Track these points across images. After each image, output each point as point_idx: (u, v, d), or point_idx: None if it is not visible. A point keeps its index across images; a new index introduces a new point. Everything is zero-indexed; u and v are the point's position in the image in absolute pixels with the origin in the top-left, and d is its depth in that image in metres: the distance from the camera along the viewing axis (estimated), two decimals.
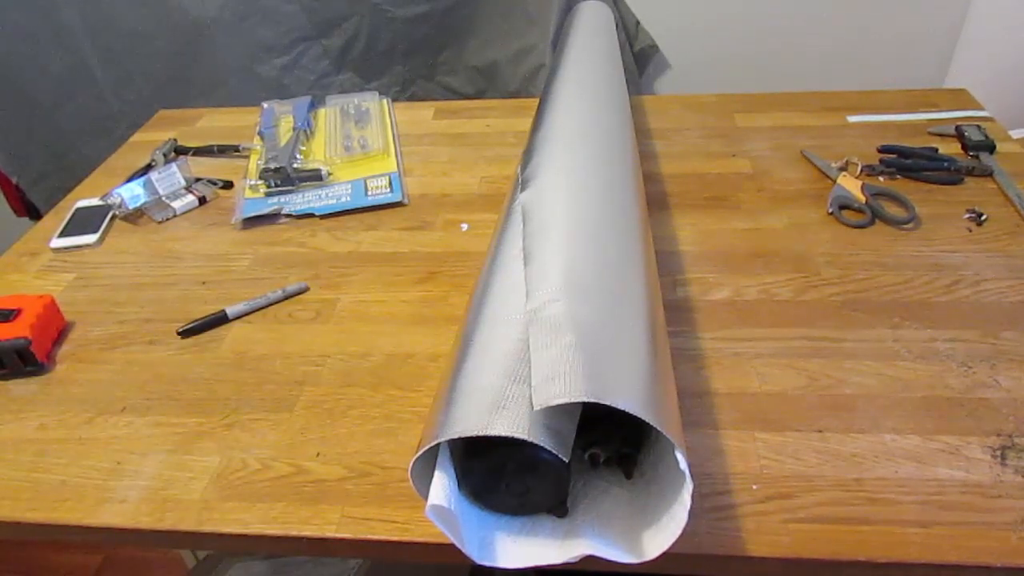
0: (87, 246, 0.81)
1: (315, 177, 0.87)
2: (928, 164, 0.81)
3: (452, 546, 0.41)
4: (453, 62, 1.42)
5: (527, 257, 0.49)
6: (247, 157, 0.96)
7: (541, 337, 0.41)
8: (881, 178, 0.81)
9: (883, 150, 0.85)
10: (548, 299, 0.44)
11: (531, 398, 0.39)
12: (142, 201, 0.86)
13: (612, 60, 0.89)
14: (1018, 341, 0.59)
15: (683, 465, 0.38)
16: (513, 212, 0.56)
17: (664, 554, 0.39)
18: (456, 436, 0.39)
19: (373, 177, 0.88)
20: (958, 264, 0.67)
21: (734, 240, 0.73)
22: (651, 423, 0.37)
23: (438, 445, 0.41)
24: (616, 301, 0.46)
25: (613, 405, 0.37)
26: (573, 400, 0.37)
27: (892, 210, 0.75)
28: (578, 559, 0.42)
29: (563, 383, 0.38)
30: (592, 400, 0.37)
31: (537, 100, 0.80)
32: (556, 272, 0.46)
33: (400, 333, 0.65)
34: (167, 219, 0.85)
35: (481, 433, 0.38)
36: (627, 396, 0.38)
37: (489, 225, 0.66)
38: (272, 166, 0.87)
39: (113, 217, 0.85)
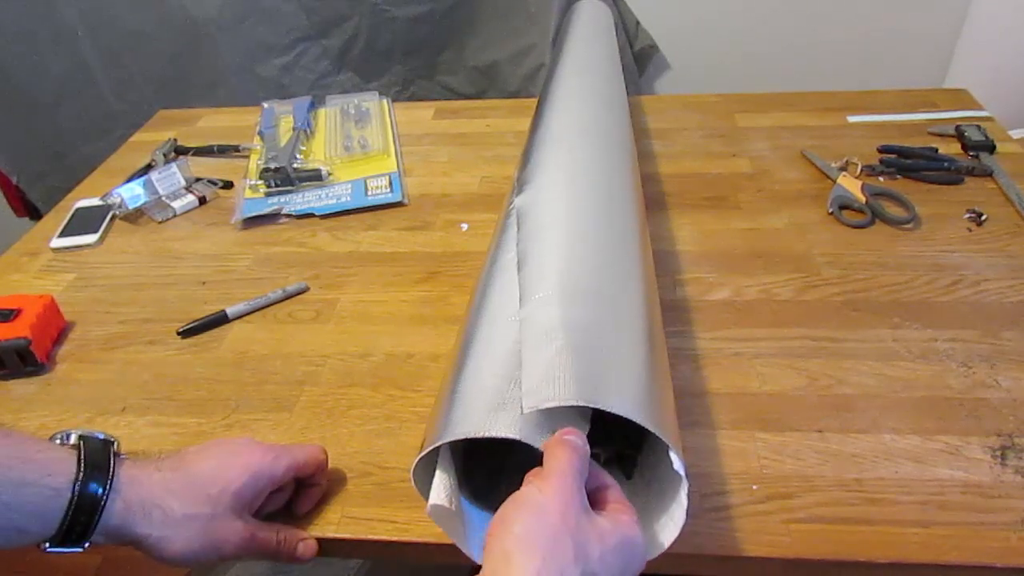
0: (87, 246, 0.81)
1: (315, 177, 0.87)
2: (928, 164, 0.81)
3: (452, 546, 0.41)
4: (453, 62, 1.42)
5: (521, 261, 0.49)
6: (247, 157, 0.96)
7: (533, 340, 0.41)
8: (881, 178, 0.81)
9: (883, 150, 0.85)
10: (541, 302, 0.44)
11: (521, 402, 0.38)
12: (142, 201, 0.86)
13: (610, 59, 0.89)
14: (1018, 341, 0.59)
15: (677, 465, 0.38)
16: (510, 215, 0.56)
17: (664, 554, 0.39)
18: (458, 438, 0.39)
19: (373, 177, 0.88)
20: (958, 264, 0.67)
21: (734, 240, 0.73)
22: (644, 425, 0.37)
23: (439, 446, 0.41)
24: (612, 303, 0.46)
25: (605, 408, 0.37)
26: (563, 404, 0.37)
27: (892, 210, 0.75)
28: None
29: (554, 386, 0.38)
30: (582, 404, 0.37)
31: (537, 100, 0.80)
32: (550, 275, 0.46)
33: (400, 333, 0.65)
34: (167, 219, 0.85)
35: (482, 435, 0.38)
36: (621, 398, 0.38)
37: (489, 225, 0.66)
38: (272, 166, 0.86)
39: (113, 217, 0.85)
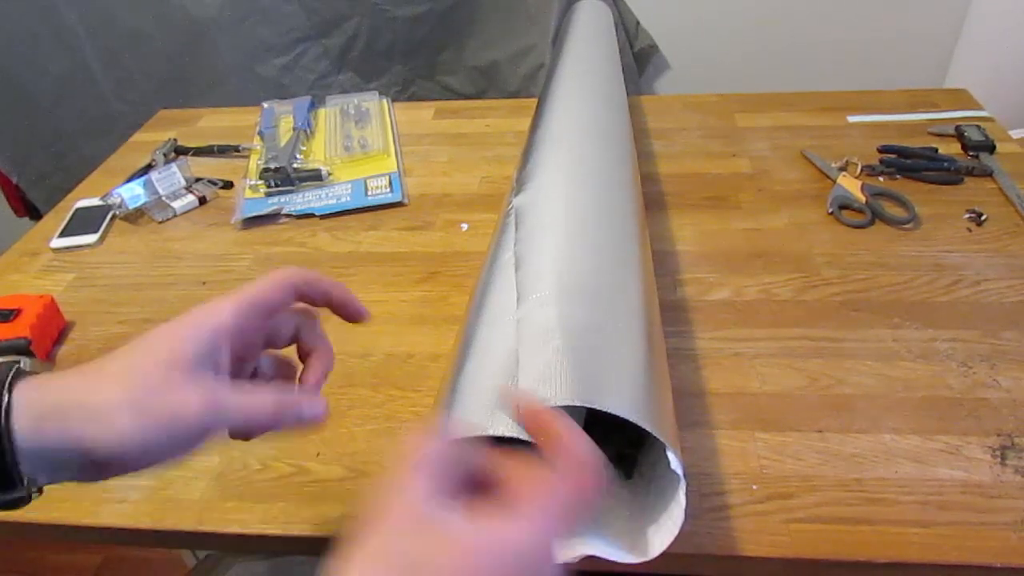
0: (87, 246, 0.81)
1: (315, 177, 0.87)
2: (928, 164, 0.81)
3: None
4: (453, 62, 1.42)
5: (518, 261, 0.49)
6: (247, 157, 0.96)
7: (530, 340, 0.41)
8: (881, 178, 0.81)
9: (883, 150, 0.84)
10: (539, 302, 0.44)
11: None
12: (142, 201, 0.86)
13: (610, 59, 0.89)
14: (1018, 341, 0.59)
15: (675, 465, 0.38)
16: (509, 214, 0.56)
17: (664, 554, 0.39)
18: (457, 436, 0.39)
19: (373, 177, 0.88)
20: (958, 264, 0.67)
21: (734, 240, 0.73)
22: (641, 424, 0.37)
23: None
24: (610, 303, 0.46)
25: (602, 408, 0.37)
26: (560, 404, 0.37)
27: (892, 210, 0.75)
28: (578, 559, 0.42)
29: (551, 387, 0.38)
30: (579, 404, 0.37)
31: (536, 100, 0.80)
32: (548, 275, 0.46)
33: (400, 333, 0.65)
34: (167, 219, 0.85)
35: (482, 434, 0.38)
36: (618, 398, 0.38)
37: (489, 225, 0.66)
38: (272, 166, 0.86)
39: (113, 217, 0.85)
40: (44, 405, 0.33)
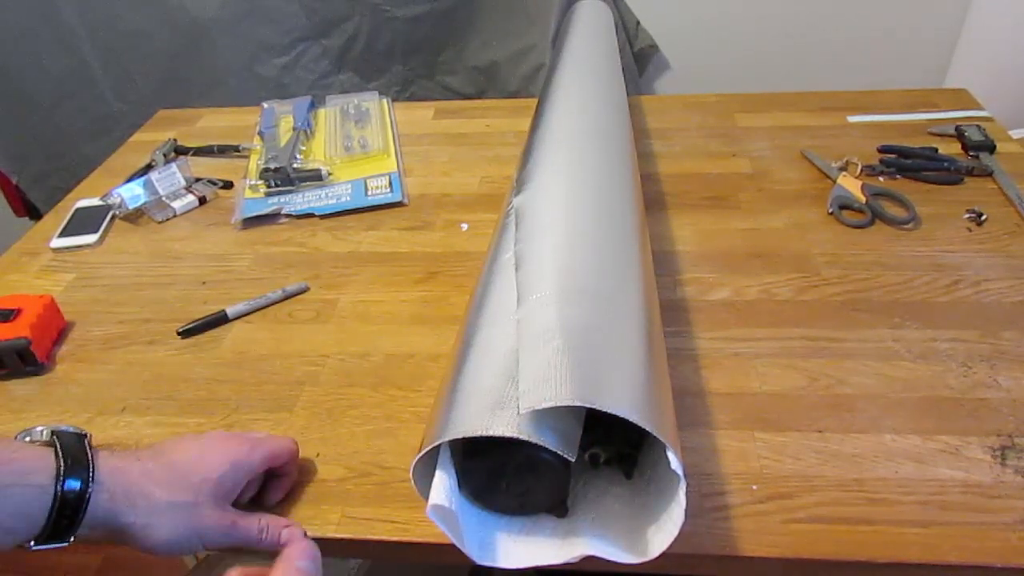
0: (87, 246, 0.81)
1: (315, 177, 0.87)
2: (928, 164, 0.81)
3: (452, 546, 0.41)
4: (453, 62, 1.42)
5: (519, 262, 0.49)
6: (247, 157, 0.96)
7: (531, 341, 0.41)
8: (881, 178, 0.81)
9: (883, 150, 0.85)
10: (539, 303, 0.44)
11: (518, 402, 0.39)
12: (142, 201, 0.86)
13: (610, 59, 0.89)
14: (1018, 341, 0.59)
15: (675, 465, 0.38)
16: (509, 214, 0.56)
17: (664, 554, 0.39)
18: (457, 437, 0.39)
19: (373, 177, 0.88)
20: (958, 264, 0.67)
21: (734, 240, 0.73)
22: (640, 424, 0.37)
23: (439, 445, 0.41)
24: (610, 303, 0.46)
25: (601, 408, 0.37)
26: (560, 404, 0.37)
27: (892, 210, 0.75)
28: (578, 559, 0.42)
29: (551, 387, 0.38)
30: (579, 404, 0.37)
31: (537, 100, 0.80)
32: (548, 275, 0.46)
33: (400, 333, 0.65)
34: (167, 219, 0.85)
35: (482, 434, 0.38)
36: (618, 398, 0.38)
37: (489, 225, 0.66)
38: (272, 166, 0.86)
39: (113, 217, 0.85)
40: (116, 485, 0.42)
